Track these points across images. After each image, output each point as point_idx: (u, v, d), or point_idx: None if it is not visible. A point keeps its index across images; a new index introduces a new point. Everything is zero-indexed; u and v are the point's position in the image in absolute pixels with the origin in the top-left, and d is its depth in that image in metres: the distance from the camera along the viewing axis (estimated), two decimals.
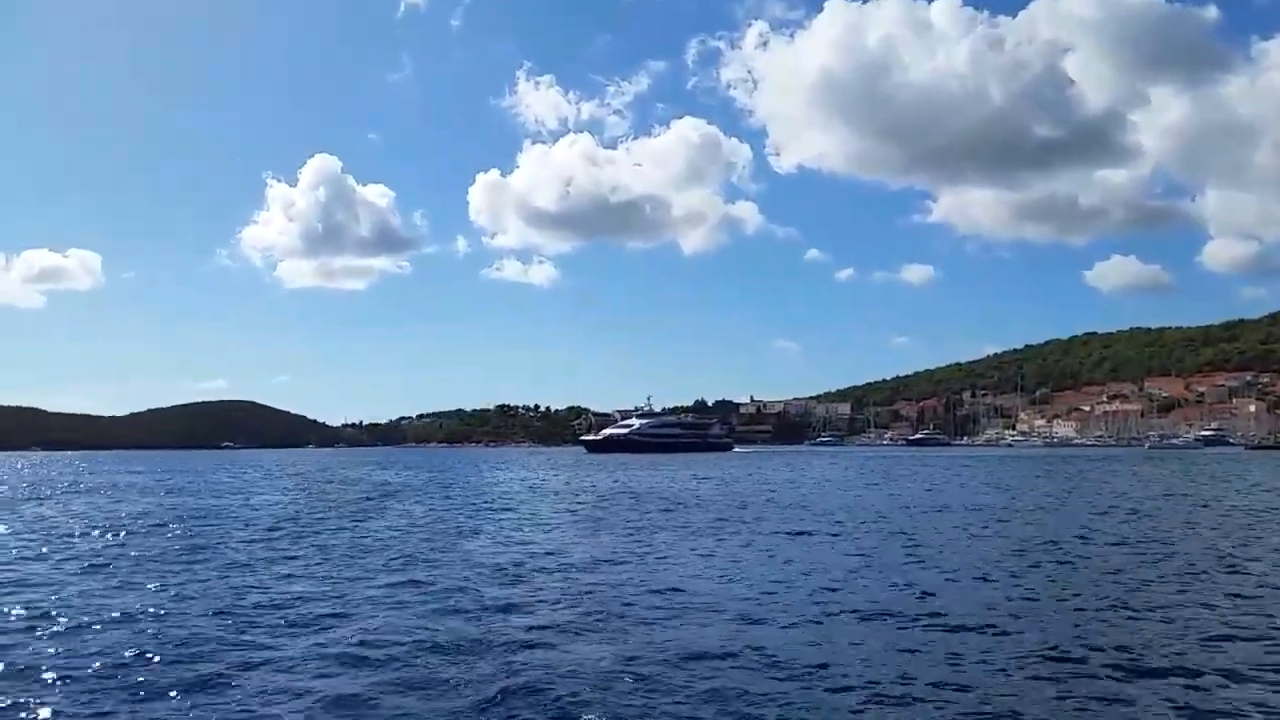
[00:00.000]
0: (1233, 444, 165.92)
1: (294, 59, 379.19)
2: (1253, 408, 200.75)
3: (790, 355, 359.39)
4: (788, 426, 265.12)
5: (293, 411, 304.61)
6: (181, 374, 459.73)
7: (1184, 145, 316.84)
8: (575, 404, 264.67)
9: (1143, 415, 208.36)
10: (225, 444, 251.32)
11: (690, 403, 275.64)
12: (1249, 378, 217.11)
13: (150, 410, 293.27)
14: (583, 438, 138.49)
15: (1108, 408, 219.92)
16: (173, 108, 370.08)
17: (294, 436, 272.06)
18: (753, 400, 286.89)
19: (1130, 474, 56.79)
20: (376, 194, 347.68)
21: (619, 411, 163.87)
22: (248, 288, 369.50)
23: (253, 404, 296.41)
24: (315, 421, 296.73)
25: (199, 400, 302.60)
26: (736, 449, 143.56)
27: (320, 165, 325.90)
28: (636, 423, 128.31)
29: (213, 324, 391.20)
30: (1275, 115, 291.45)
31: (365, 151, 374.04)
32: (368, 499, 34.93)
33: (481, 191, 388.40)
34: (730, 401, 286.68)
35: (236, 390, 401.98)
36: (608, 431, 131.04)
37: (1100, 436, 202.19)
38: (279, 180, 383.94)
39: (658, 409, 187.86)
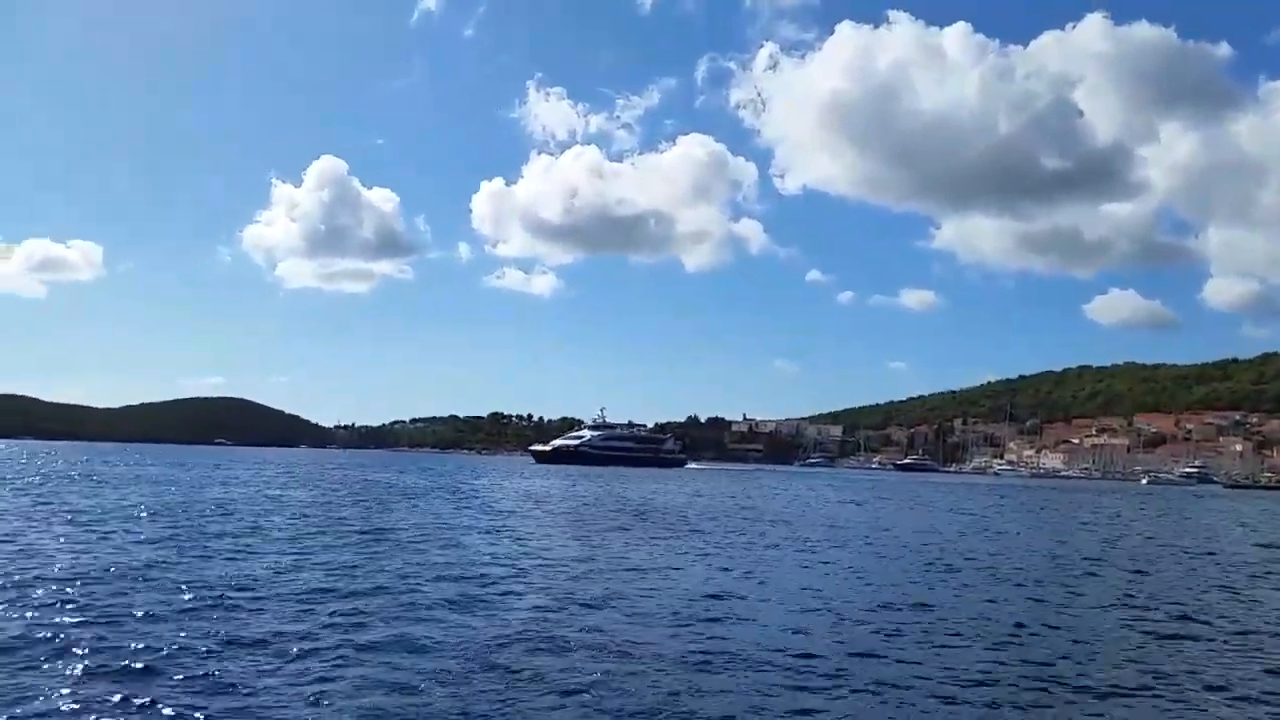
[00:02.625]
0: (1215, 481, 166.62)
1: (304, 61, 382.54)
2: (1238, 447, 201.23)
3: (788, 375, 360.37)
4: (779, 446, 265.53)
5: (287, 411, 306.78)
6: (178, 369, 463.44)
7: (1190, 182, 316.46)
8: (569, 415, 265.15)
9: (1129, 450, 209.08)
10: (218, 440, 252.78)
11: (684, 418, 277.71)
12: (1238, 417, 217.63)
13: (145, 404, 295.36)
14: (531, 448, 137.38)
15: (1095, 440, 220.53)
16: (180, 105, 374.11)
17: (287, 436, 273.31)
18: (745, 419, 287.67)
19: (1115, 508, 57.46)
20: (381, 198, 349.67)
21: (633, 424, 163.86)
22: (248, 286, 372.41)
23: (246, 402, 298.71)
24: (308, 422, 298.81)
25: (194, 396, 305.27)
26: (691, 465, 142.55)
27: (326, 167, 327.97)
28: (587, 434, 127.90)
29: (211, 320, 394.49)
30: None
31: (372, 155, 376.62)
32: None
33: (486, 200, 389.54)
34: (723, 419, 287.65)
35: (232, 387, 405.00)
36: (557, 442, 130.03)
37: (1086, 469, 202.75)
38: (284, 181, 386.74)
39: (649, 424, 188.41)
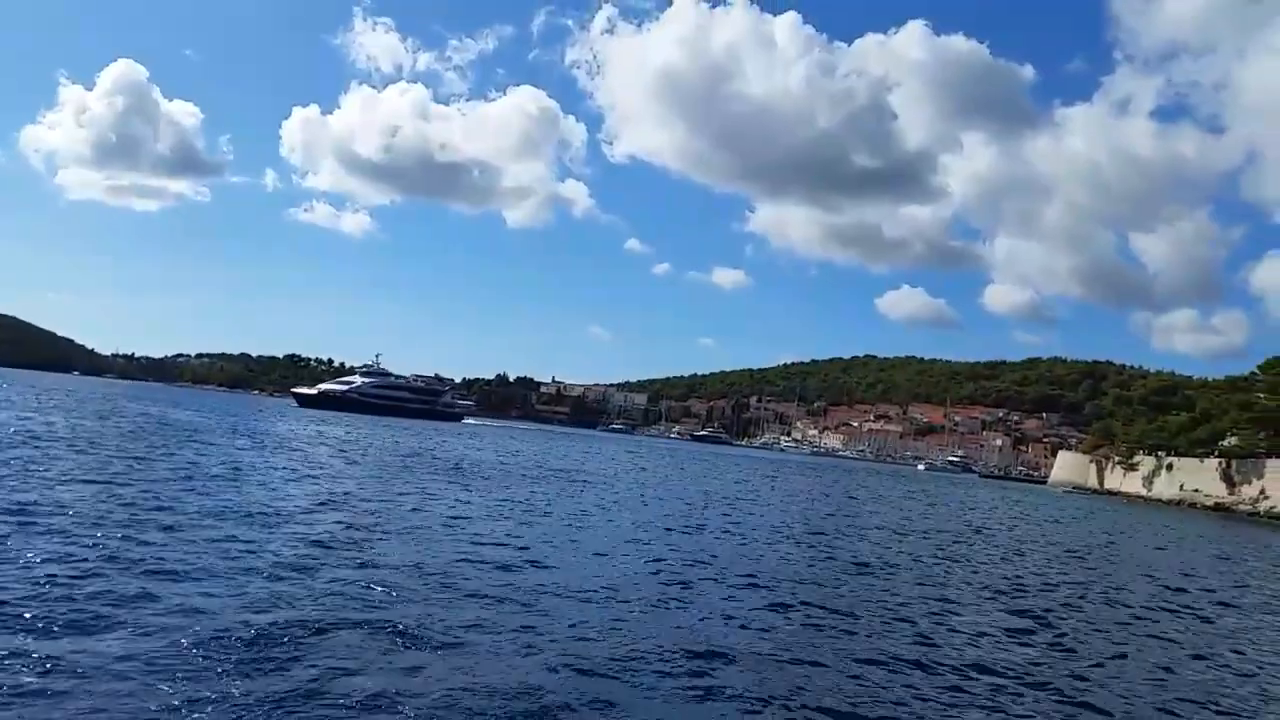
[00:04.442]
0: (974, 471, 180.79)
1: None
2: (998, 441, 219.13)
3: (601, 341, 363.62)
4: (585, 410, 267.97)
5: (59, 334, 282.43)
6: None
7: (985, 192, 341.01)
8: (371, 363, 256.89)
9: (902, 437, 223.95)
10: None
11: (493, 376, 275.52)
12: (1001, 414, 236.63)
13: None
14: (295, 390, 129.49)
15: (873, 426, 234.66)
16: None
17: (57, 361, 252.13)
18: (554, 381, 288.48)
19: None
20: (183, 111, 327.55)
21: (416, 375, 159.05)
22: (22, 191, 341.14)
23: (12, 319, 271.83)
24: (83, 347, 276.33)
25: None
26: (468, 420, 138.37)
27: (123, 71, 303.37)
28: (359, 380, 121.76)
29: None
30: (1067, 177, 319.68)
31: (176, 64, 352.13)
32: None
33: (298, 127, 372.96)
34: (532, 379, 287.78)
35: None
36: (324, 386, 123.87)
37: (862, 451, 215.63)
38: (73, 81, 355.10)
39: (457, 379, 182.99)
